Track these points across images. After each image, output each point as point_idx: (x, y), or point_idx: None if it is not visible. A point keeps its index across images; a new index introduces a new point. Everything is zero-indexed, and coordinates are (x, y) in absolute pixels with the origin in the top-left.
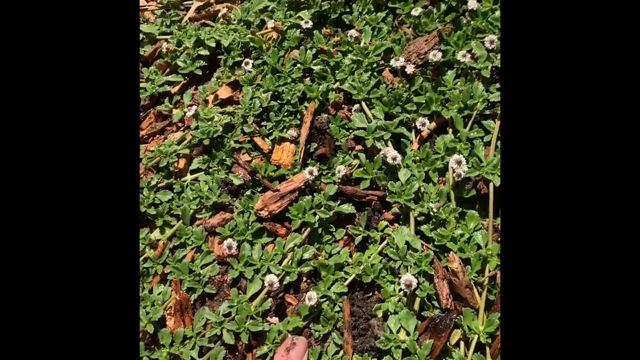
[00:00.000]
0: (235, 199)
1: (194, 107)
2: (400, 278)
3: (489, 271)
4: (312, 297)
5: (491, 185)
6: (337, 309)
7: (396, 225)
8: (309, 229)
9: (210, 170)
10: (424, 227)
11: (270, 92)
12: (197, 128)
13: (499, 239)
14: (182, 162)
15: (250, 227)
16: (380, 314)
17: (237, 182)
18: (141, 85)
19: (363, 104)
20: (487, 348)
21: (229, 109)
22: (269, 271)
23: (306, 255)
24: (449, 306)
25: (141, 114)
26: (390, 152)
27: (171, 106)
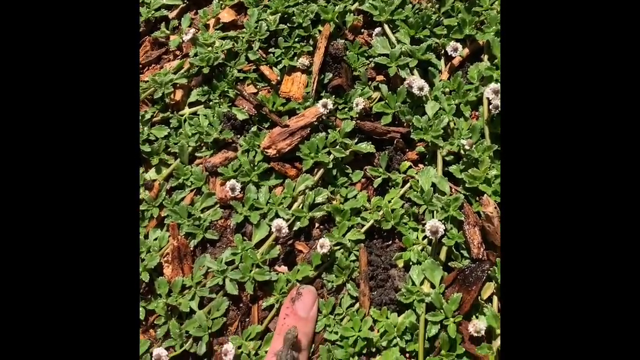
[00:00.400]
0: (239, 135)
1: (192, 30)
2: (424, 224)
3: None
4: (324, 244)
5: None
6: (352, 257)
7: (421, 165)
8: (322, 170)
9: (211, 103)
10: (452, 168)
11: (279, 14)
12: (196, 55)
13: None
14: (179, 94)
15: (256, 168)
16: (401, 263)
17: (241, 116)
18: None
19: (386, 26)
20: None
21: (232, 33)
22: (277, 216)
23: (319, 199)
24: (480, 256)
25: None
26: (416, 82)
27: (168, 32)
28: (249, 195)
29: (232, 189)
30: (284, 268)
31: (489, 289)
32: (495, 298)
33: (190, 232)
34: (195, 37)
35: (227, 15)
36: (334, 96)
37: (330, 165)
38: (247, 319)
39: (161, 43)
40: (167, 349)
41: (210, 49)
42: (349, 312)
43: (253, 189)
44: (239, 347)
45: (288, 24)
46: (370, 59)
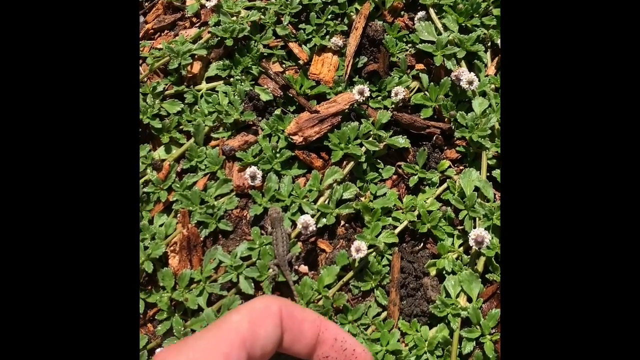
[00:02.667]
0: (261, 118)
1: None
2: (462, 231)
3: None
4: (360, 248)
5: None
6: (384, 262)
7: (461, 166)
8: (352, 163)
9: (232, 79)
10: (497, 172)
11: None
12: (217, 24)
13: None
14: (197, 66)
15: (279, 155)
16: (433, 272)
17: (265, 97)
18: None
19: (431, 10)
20: None
21: (260, 3)
22: (300, 210)
23: (347, 195)
24: None
25: (146, 3)
26: (465, 74)
27: None
28: (269, 185)
29: (252, 177)
30: (305, 268)
31: None
32: None
33: (202, 221)
34: (220, 4)
35: None
36: (368, 82)
37: (362, 159)
38: None
39: (176, 7)
40: None
41: (234, 19)
42: (375, 322)
43: (274, 178)
44: None
45: None
46: (411, 45)
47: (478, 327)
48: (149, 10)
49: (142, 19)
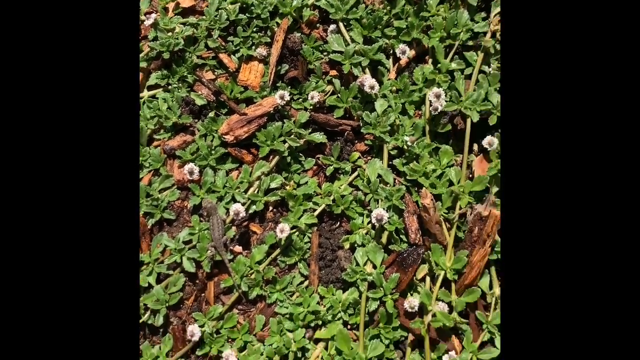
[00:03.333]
0: (197, 120)
1: (153, 14)
2: (370, 211)
3: (460, 208)
4: (284, 229)
5: (469, 120)
6: (306, 239)
7: (369, 157)
8: (277, 157)
9: (170, 87)
10: (396, 161)
11: (239, 4)
12: (155, 39)
13: (471, 176)
14: (140, 76)
15: (213, 152)
16: (347, 245)
17: (199, 102)
18: None
19: (340, 24)
20: (453, 284)
21: (192, 19)
22: (233, 199)
23: (273, 184)
24: (417, 241)
25: None
26: (368, 80)
27: None
28: (206, 179)
29: (190, 172)
30: (239, 248)
31: (423, 270)
32: (428, 278)
33: (149, 212)
34: (157, 22)
35: (187, 0)
36: (289, 87)
37: (285, 153)
38: (203, 294)
39: None
40: None
41: (170, 34)
42: (299, 289)
43: (210, 172)
44: (202, 326)
45: (247, 14)
46: (325, 54)
47: (381, 288)
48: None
49: None
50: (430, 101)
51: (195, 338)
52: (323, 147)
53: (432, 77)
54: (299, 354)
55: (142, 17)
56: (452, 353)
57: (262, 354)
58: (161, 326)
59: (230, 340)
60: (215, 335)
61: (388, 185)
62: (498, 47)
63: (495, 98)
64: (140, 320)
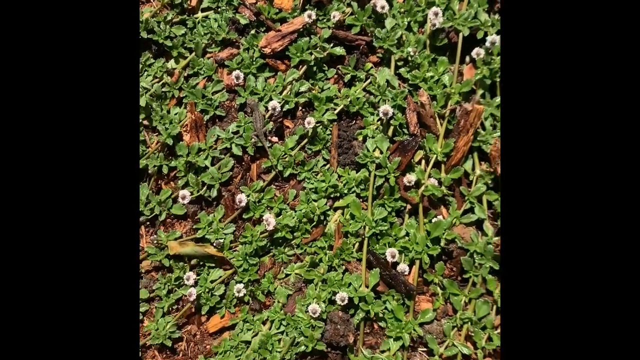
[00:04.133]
0: (241, 36)
1: None
2: (379, 110)
3: (450, 105)
4: (311, 121)
5: (460, 35)
6: (327, 132)
7: (379, 67)
8: (305, 67)
9: (219, 9)
10: (402, 70)
11: None
12: None
13: (461, 81)
14: (194, 0)
15: (254, 62)
16: (360, 138)
17: (243, 21)
18: None
19: None
20: (443, 165)
21: None
22: (271, 99)
23: (302, 88)
24: (415, 132)
25: None
26: (380, 1)
27: None
28: (249, 83)
29: (237, 78)
30: (275, 138)
31: (420, 155)
32: (423, 161)
33: (204, 109)
34: None
35: None
36: (316, 9)
37: (312, 63)
38: (248, 173)
39: None
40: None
41: None
42: (322, 170)
43: (252, 78)
44: (248, 196)
45: None
46: None
47: (386, 169)
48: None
49: None
50: (430, 19)
51: (243, 204)
52: (342, 58)
53: (432, 0)
54: (322, 217)
55: None
56: (440, 217)
57: (293, 218)
58: (214, 199)
59: (268, 207)
60: (257, 204)
61: (394, 89)
62: None
63: (483, 16)
64: (198, 193)
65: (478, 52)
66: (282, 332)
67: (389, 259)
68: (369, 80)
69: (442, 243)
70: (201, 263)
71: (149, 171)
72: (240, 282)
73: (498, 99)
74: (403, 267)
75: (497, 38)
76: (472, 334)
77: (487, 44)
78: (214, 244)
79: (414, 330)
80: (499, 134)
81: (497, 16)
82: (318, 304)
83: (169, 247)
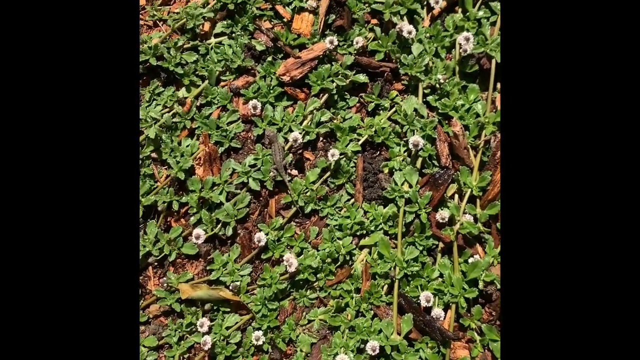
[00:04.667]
0: (257, 63)
1: None
2: (406, 140)
3: (485, 136)
4: (335, 153)
5: (493, 61)
6: (351, 164)
7: (405, 95)
8: (326, 95)
9: (234, 35)
10: (430, 98)
11: None
12: None
13: (494, 110)
14: (207, 26)
15: (272, 91)
16: (386, 170)
17: (259, 47)
18: None
19: None
20: (478, 200)
21: None
22: (290, 130)
23: (324, 118)
24: (448, 164)
25: None
26: (406, 26)
27: None
28: (266, 113)
29: (254, 107)
30: (295, 172)
31: (453, 189)
32: (456, 195)
33: (219, 141)
34: None
35: None
36: (336, 34)
37: (333, 91)
38: (265, 210)
39: None
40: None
41: None
42: (346, 205)
43: (270, 108)
44: (267, 234)
45: None
46: (367, 5)
47: (416, 204)
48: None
49: None
50: (460, 44)
51: (262, 243)
52: (365, 86)
53: (462, 24)
54: (347, 257)
55: None
56: (477, 256)
57: (316, 258)
58: (229, 238)
59: (289, 247)
60: (276, 243)
61: (422, 118)
62: None
63: None
64: (212, 232)
65: None
66: None
67: (424, 303)
68: (394, 109)
69: (480, 285)
70: (215, 308)
71: (158, 208)
72: (259, 328)
73: None
74: (438, 311)
75: None
76: None
77: None
78: (230, 287)
79: None
80: None
81: None
82: (346, 353)
83: (181, 290)
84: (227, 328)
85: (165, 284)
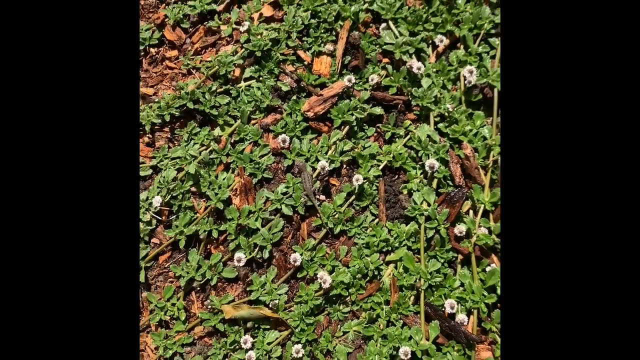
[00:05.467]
0: (283, 102)
1: (247, 23)
2: (422, 164)
3: (493, 157)
4: (359, 178)
5: (495, 90)
6: (374, 188)
7: (417, 124)
8: (347, 127)
9: (261, 78)
10: (440, 125)
11: (310, 11)
12: (248, 41)
13: (499, 133)
14: (237, 71)
15: (298, 125)
16: (405, 191)
17: (285, 88)
18: (190, 3)
19: (390, 22)
20: (491, 214)
21: (274, 25)
22: (317, 160)
23: (346, 148)
24: (461, 183)
25: (190, 29)
26: (415, 63)
27: (220, 22)
28: (294, 146)
29: (283, 141)
30: (323, 197)
31: (467, 205)
32: (471, 211)
33: (252, 172)
34: (249, 28)
35: (267, 11)
36: (352, 73)
37: (354, 123)
38: (298, 233)
39: (213, 31)
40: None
41: (259, 37)
42: (371, 225)
43: (297, 141)
44: (301, 255)
45: (316, 19)
46: (379, 46)
47: (435, 220)
48: (193, 33)
49: (188, 40)
50: (465, 76)
51: (297, 263)
52: (381, 117)
53: (465, 59)
54: (375, 272)
55: (235, 26)
56: (493, 265)
57: (347, 274)
58: (266, 260)
59: (321, 265)
60: (310, 262)
61: (435, 143)
62: None
63: None
64: (251, 255)
65: None
66: None
67: (448, 310)
68: (408, 137)
69: (498, 291)
70: (256, 326)
71: (200, 236)
72: (298, 342)
73: None
74: (462, 317)
75: None
76: None
77: None
78: (269, 305)
79: None
80: None
81: None
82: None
83: (224, 311)
84: (269, 344)
85: (208, 306)
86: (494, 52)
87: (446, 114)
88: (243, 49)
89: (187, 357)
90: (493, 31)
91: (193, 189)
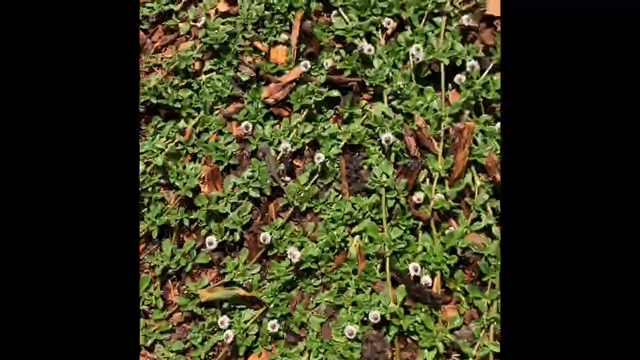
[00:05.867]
0: (244, 91)
1: (204, 19)
2: (379, 140)
3: (444, 127)
4: (320, 157)
5: (442, 65)
6: (335, 165)
7: (373, 102)
8: (306, 110)
9: (221, 70)
10: (394, 102)
11: (263, 4)
12: (206, 36)
13: (449, 105)
14: (197, 65)
15: (260, 112)
16: (366, 166)
17: (244, 78)
18: (148, 4)
19: (340, 9)
20: (446, 181)
21: (230, 19)
22: (279, 143)
23: (307, 130)
24: (416, 154)
25: (150, 30)
26: (366, 46)
27: (178, 21)
28: (257, 132)
29: (246, 127)
30: (287, 178)
31: (423, 174)
32: (427, 179)
33: (219, 160)
34: (206, 23)
35: (222, 6)
36: (308, 60)
37: (312, 106)
38: (266, 214)
39: (172, 29)
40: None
41: (216, 31)
42: (336, 200)
43: (259, 127)
44: (270, 234)
45: (270, 11)
46: (331, 33)
47: (395, 191)
48: (153, 34)
49: (148, 40)
50: (413, 54)
51: (267, 241)
52: (338, 99)
53: (412, 39)
54: (342, 244)
55: (193, 23)
56: (452, 228)
57: (315, 248)
58: (237, 243)
59: (290, 242)
60: (279, 240)
61: (391, 119)
62: (455, 10)
63: (459, 47)
64: (223, 239)
65: (460, 78)
66: (321, 359)
67: (412, 273)
68: (365, 115)
69: (458, 252)
70: (232, 306)
71: (171, 226)
72: (273, 317)
73: (484, 116)
74: (426, 279)
75: (475, 63)
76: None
77: (467, 69)
78: (243, 285)
79: (446, 337)
80: (490, 147)
81: (470, 45)
82: (352, 325)
83: (200, 295)
84: (245, 322)
85: (185, 292)
86: (439, 30)
87: (398, 91)
88: (202, 44)
89: (167, 343)
90: (436, 11)
91: (162, 180)
